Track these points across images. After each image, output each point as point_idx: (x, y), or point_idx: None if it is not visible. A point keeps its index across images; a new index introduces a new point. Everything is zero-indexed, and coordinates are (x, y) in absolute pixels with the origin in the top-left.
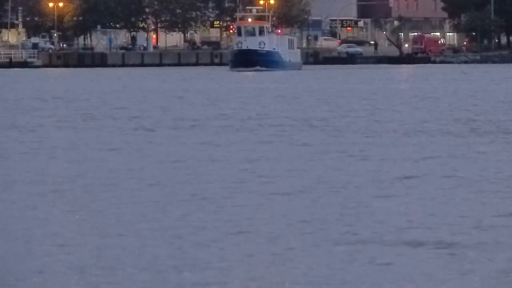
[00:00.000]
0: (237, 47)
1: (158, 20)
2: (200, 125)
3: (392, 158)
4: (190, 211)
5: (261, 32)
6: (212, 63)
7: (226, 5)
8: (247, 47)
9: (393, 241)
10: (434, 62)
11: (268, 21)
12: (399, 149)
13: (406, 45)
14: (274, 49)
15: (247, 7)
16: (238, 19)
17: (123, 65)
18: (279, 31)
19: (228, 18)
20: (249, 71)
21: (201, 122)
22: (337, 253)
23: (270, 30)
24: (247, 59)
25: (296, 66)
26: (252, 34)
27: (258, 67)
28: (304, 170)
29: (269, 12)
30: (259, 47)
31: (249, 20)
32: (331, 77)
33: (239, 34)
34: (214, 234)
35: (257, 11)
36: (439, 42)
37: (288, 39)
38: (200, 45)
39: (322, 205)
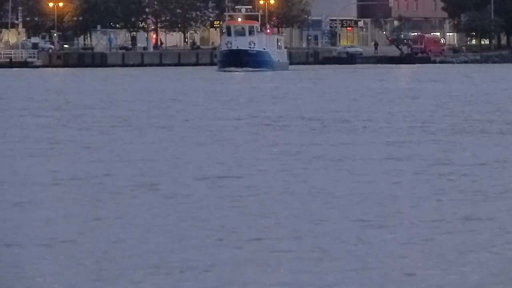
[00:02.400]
0: (227, 47)
1: (158, 20)
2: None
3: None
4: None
5: (250, 32)
6: (212, 63)
7: (226, 5)
8: (237, 47)
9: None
10: (434, 62)
11: (258, 21)
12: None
13: (405, 46)
14: (264, 49)
15: (236, 7)
16: (227, 18)
17: (123, 65)
18: (268, 30)
19: (228, 18)
20: (238, 71)
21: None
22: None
23: (259, 30)
24: (237, 59)
25: (284, 66)
26: (242, 34)
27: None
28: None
29: (258, 12)
30: (249, 47)
31: (239, 19)
32: (320, 77)
33: (229, 34)
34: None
35: (246, 11)
36: (440, 42)
37: (277, 39)
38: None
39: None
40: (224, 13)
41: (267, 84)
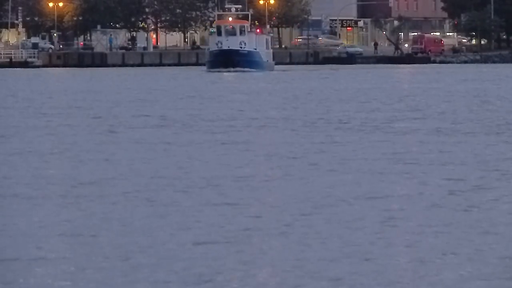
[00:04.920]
0: (217, 47)
1: (158, 20)
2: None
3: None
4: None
5: (241, 32)
6: None
7: (226, 5)
8: (228, 47)
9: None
10: (434, 62)
11: (248, 20)
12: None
13: (406, 45)
14: (255, 49)
15: (226, 6)
16: (216, 18)
17: (123, 65)
18: (258, 30)
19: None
20: (229, 72)
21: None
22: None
23: (249, 30)
24: (228, 60)
25: (271, 67)
26: (233, 33)
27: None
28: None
29: (248, 11)
30: (240, 47)
31: (230, 19)
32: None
33: (219, 33)
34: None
35: (236, 10)
36: (442, 41)
37: (266, 38)
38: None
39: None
40: (213, 12)
41: (263, 84)
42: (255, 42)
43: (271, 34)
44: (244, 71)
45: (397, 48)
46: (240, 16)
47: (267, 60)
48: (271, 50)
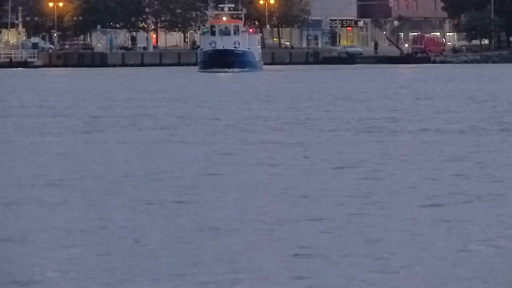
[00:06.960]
0: (211, 47)
1: (158, 20)
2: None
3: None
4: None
5: (235, 32)
6: None
7: (220, 4)
8: (223, 47)
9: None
10: (434, 62)
11: (242, 20)
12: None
13: (406, 45)
14: (249, 49)
15: (219, 5)
16: (209, 17)
17: (123, 65)
18: (251, 30)
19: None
20: (224, 72)
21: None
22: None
23: (243, 29)
24: (222, 60)
25: (261, 67)
26: (227, 33)
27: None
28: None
29: (241, 11)
30: (234, 47)
31: (224, 18)
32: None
33: (213, 33)
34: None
35: (229, 9)
36: (442, 41)
37: (257, 38)
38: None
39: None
40: (206, 11)
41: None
42: (248, 42)
43: (260, 35)
44: (239, 71)
45: (376, 48)
46: (240, 16)
47: (259, 60)
48: (261, 50)
